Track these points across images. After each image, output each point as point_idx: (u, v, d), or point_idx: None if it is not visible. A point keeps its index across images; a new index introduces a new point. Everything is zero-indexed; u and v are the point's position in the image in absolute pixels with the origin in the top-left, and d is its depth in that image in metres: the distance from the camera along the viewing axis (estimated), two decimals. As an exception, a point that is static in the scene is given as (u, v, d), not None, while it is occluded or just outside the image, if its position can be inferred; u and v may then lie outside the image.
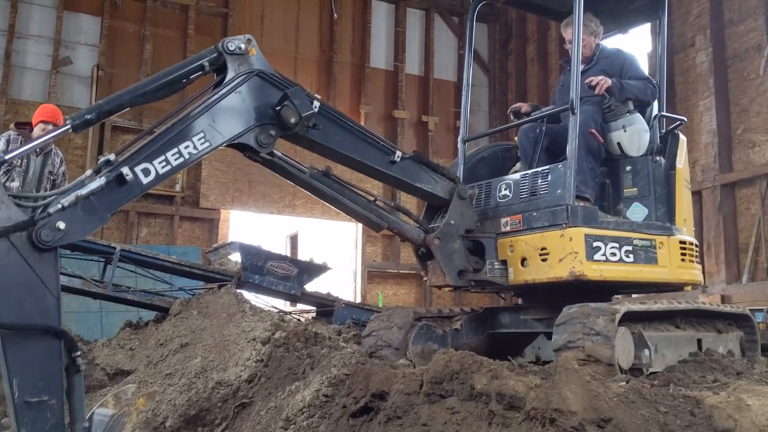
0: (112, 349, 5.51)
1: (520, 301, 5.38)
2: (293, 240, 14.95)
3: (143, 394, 4.28)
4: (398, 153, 4.35)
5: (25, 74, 12.59)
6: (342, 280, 14.24)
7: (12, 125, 7.09)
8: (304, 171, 4.18)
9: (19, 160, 6.82)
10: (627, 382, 3.24)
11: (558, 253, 4.36)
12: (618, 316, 3.92)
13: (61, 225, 2.74)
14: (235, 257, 7.16)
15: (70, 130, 3.07)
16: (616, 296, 5.19)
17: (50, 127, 6.58)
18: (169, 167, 3.16)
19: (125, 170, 2.98)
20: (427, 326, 4.98)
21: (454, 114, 16.23)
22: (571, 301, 4.25)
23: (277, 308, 7.12)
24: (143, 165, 3.06)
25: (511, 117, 5.56)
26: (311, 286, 7.54)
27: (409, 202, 11.01)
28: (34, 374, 2.62)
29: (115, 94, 3.26)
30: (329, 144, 4.02)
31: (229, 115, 3.46)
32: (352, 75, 15.61)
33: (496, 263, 4.69)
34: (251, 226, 14.32)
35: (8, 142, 6.86)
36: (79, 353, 2.77)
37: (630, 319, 4.14)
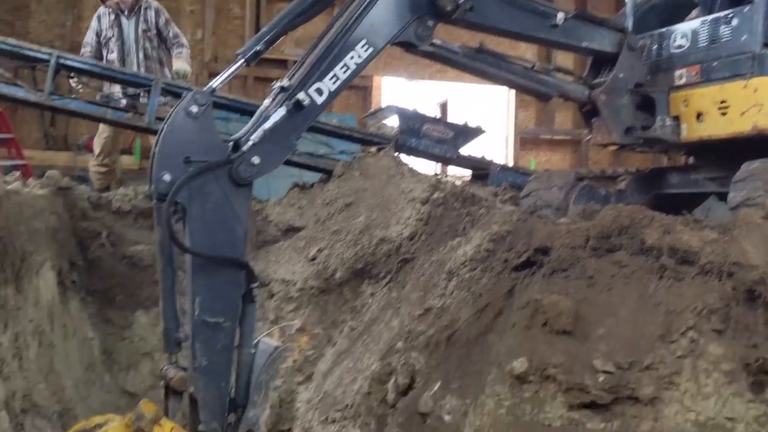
0: (283, 208, 5.89)
1: (691, 159, 5.12)
2: (443, 108, 14.86)
3: (308, 333, 4.53)
4: (560, 15, 4.14)
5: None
6: (493, 147, 14.07)
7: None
8: (457, 52, 4.11)
9: (111, 30, 6.87)
10: (816, 239, 3.04)
11: (740, 105, 4.08)
12: (806, 173, 3.65)
13: (256, 160, 2.86)
14: (391, 121, 7.25)
15: (244, 65, 3.17)
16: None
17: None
18: (339, 82, 3.17)
19: (301, 95, 3.01)
20: (590, 186, 4.88)
21: (617, -35, 14.90)
22: (750, 158, 4.00)
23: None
24: (315, 85, 3.09)
25: (690, -42, 5.04)
26: (465, 151, 7.54)
27: (565, 59, 10.46)
28: (215, 298, 2.82)
29: (275, 20, 3.29)
30: (487, 23, 3.93)
31: (385, 14, 3.36)
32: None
33: (667, 119, 4.47)
34: (403, 94, 14.36)
35: (99, 17, 6.98)
36: (256, 284, 2.95)
37: (819, 176, 3.83)
